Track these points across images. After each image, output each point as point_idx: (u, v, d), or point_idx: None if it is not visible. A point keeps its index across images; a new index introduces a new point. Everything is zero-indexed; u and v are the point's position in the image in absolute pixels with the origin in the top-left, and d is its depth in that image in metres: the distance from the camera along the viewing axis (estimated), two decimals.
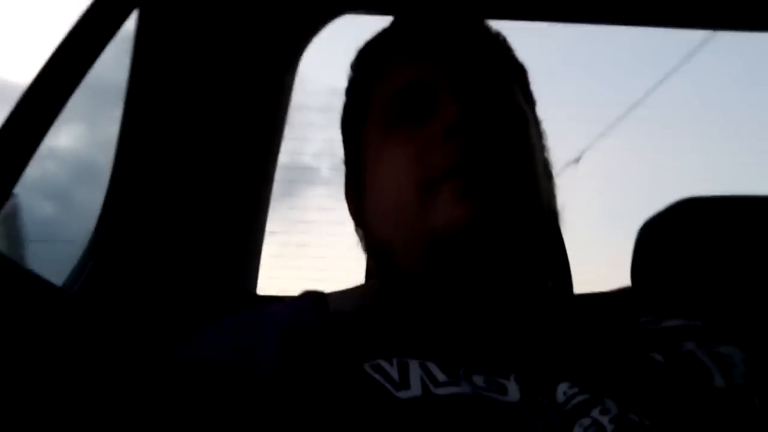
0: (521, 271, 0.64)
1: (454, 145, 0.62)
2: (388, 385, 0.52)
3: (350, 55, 0.79)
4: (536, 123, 0.73)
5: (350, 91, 0.77)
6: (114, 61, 0.91)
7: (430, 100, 0.66)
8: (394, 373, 0.53)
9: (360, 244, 0.74)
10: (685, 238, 0.84)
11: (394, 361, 0.54)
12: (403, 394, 0.51)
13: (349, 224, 0.76)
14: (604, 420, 0.50)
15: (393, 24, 0.77)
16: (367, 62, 0.76)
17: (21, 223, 0.82)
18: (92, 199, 1.01)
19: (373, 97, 0.72)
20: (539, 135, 0.73)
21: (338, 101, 0.79)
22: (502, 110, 0.67)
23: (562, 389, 0.52)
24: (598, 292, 0.74)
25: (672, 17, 1.12)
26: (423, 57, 0.70)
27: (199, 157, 1.01)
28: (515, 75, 0.73)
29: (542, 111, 0.74)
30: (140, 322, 0.96)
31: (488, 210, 0.61)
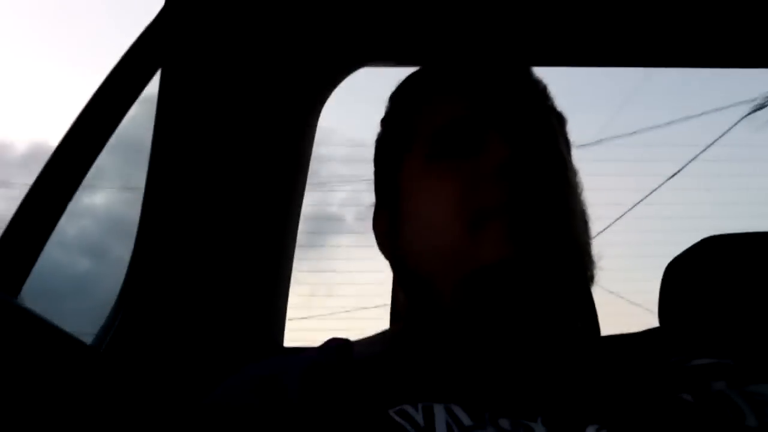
0: (554, 313, 0.64)
1: (505, 185, 0.62)
2: (412, 431, 0.51)
3: (371, 109, 0.78)
4: (573, 170, 0.73)
5: (388, 123, 0.78)
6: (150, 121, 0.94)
7: (477, 137, 0.66)
8: (419, 417, 0.52)
9: (394, 277, 0.72)
10: (711, 275, 0.83)
11: (419, 405, 0.54)
12: None
13: (374, 271, 0.74)
14: None
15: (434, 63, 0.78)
16: (409, 96, 0.77)
17: None
18: (126, 253, 1.03)
19: (414, 131, 0.72)
20: (576, 182, 0.73)
21: (361, 152, 0.79)
22: (547, 155, 0.67)
23: (591, 431, 0.52)
24: (626, 333, 0.73)
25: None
26: (469, 95, 0.70)
27: (224, 210, 1.03)
28: (557, 122, 0.74)
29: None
30: (167, 375, 0.97)
31: (530, 251, 0.60)
